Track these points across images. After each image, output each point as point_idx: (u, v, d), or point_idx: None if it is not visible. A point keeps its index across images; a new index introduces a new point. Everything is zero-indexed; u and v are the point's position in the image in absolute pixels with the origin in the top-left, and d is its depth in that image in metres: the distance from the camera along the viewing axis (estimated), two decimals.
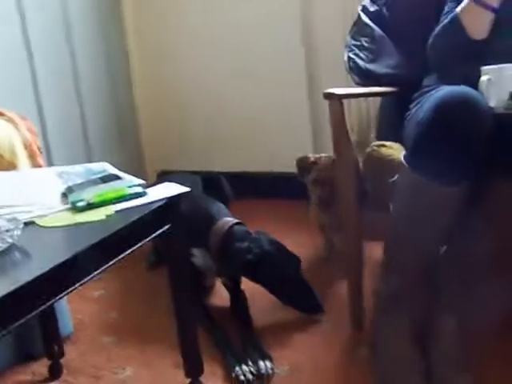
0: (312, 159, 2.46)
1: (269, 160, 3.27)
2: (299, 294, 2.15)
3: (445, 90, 1.60)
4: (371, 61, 2.21)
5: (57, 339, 2.02)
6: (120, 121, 3.36)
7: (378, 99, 2.44)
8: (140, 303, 2.41)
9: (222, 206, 2.42)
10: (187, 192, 1.65)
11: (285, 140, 3.19)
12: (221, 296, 2.35)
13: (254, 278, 2.18)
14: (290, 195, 2.99)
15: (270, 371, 1.88)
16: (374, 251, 2.20)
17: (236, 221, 2.26)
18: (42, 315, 1.93)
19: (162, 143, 3.51)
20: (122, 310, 2.37)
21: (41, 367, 2.03)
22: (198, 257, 2.28)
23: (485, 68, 1.67)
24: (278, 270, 2.14)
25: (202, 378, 1.81)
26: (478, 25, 1.77)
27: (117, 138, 3.32)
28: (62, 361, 2.02)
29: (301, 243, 2.44)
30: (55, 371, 2.00)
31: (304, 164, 2.48)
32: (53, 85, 2.87)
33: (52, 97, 2.86)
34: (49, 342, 2.01)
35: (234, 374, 1.87)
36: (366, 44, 2.24)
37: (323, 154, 2.46)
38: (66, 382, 1.97)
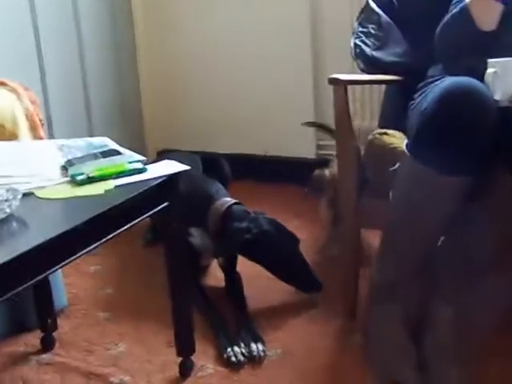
0: (330, 177, 2.32)
1: (269, 143, 3.26)
2: (298, 272, 2.16)
3: (450, 81, 1.59)
4: (377, 48, 2.19)
5: (51, 312, 2.02)
6: (123, 98, 3.35)
7: (383, 86, 2.43)
8: (136, 280, 2.41)
9: (221, 186, 2.42)
10: (187, 171, 1.65)
11: (287, 124, 3.17)
12: (216, 277, 2.35)
13: (253, 258, 2.17)
14: (289, 180, 2.99)
15: (262, 354, 1.89)
16: (372, 240, 2.20)
17: (234, 201, 2.26)
18: (36, 287, 1.93)
19: (164, 122, 3.50)
20: (118, 286, 2.38)
21: (33, 339, 2.03)
22: (196, 236, 2.27)
23: (491, 60, 1.66)
24: (276, 250, 2.14)
25: (194, 357, 1.83)
26: (487, 16, 1.76)
27: (119, 114, 3.31)
28: (55, 334, 2.03)
29: (298, 228, 2.43)
30: (48, 344, 2.00)
31: (320, 181, 2.36)
32: (57, 57, 2.86)
33: (56, 69, 2.85)
34: (43, 314, 2.01)
35: (225, 355, 1.88)
36: (373, 31, 2.22)
37: None
38: (58, 355, 1.97)
